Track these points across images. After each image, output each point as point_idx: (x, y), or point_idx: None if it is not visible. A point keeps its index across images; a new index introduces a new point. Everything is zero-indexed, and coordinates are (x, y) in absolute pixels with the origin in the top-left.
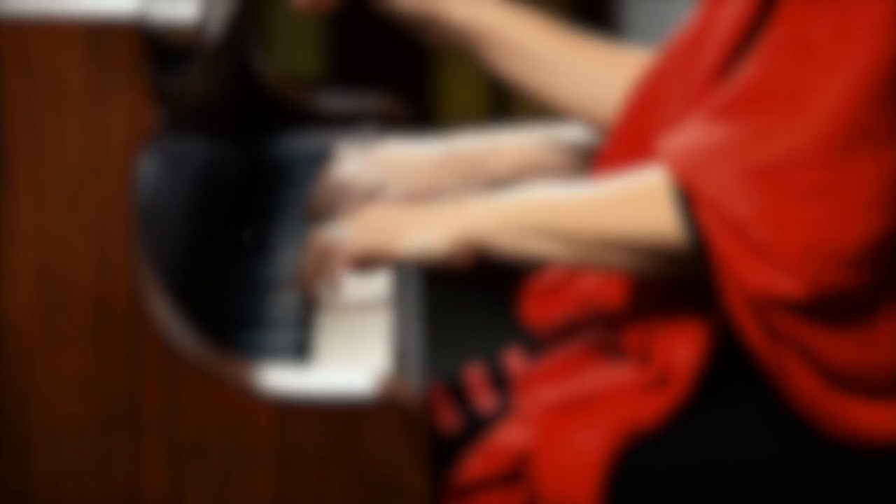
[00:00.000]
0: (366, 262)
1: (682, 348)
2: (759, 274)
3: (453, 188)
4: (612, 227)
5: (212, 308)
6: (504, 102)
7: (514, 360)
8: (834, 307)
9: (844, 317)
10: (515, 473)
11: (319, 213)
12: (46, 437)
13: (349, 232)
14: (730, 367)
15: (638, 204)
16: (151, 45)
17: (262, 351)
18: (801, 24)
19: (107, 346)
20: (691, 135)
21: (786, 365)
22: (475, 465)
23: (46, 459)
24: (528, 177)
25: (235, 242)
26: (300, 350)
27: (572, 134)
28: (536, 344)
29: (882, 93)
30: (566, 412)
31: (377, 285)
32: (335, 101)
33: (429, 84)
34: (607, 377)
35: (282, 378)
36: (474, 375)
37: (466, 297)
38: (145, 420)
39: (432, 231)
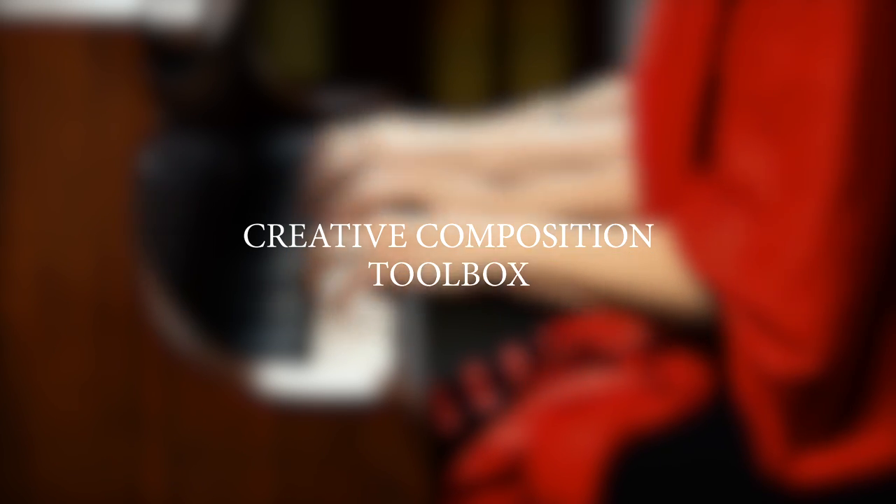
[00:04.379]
0: (377, 287)
1: (686, 369)
2: (775, 355)
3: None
4: (630, 290)
5: (212, 307)
6: (504, 101)
7: (514, 360)
8: (847, 379)
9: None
10: (513, 473)
11: (315, 205)
12: (46, 437)
13: (362, 253)
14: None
15: (657, 276)
16: (151, 45)
17: (262, 350)
18: (757, 112)
19: (107, 346)
20: (704, 226)
21: (761, 419)
22: (473, 464)
23: (46, 459)
24: (517, 171)
25: (235, 242)
26: (300, 349)
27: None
28: (536, 343)
29: (861, 147)
30: (564, 412)
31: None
32: (335, 99)
33: (429, 82)
34: (606, 379)
35: (282, 378)
36: (473, 374)
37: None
38: (145, 420)
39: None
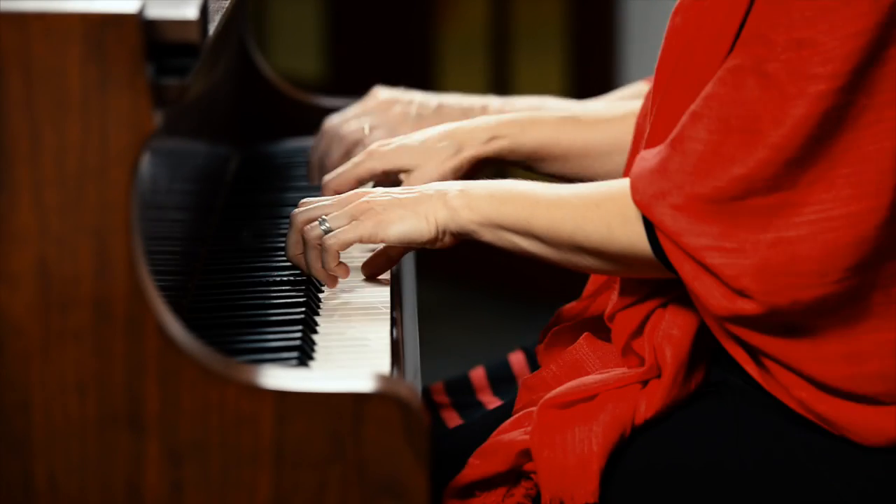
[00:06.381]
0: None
1: (670, 345)
2: (717, 296)
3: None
4: (589, 237)
5: (212, 308)
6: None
7: (516, 361)
8: (798, 319)
9: (814, 327)
10: (516, 473)
11: (320, 164)
12: (46, 437)
13: (335, 223)
14: (727, 368)
15: (612, 219)
16: (152, 44)
17: (263, 351)
18: (760, 53)
19: (107, 346)
20: (653, 161)
21: (773, 377)
22: (476, 464)
23: (46, 459)
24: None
25: (235, 242)
26: (301, 350)
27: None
28: (536, 346)
29: (834, 117)
30: (566, 410)
31: (378, 287)
32: (335, 101)
33: (429, 83)
34: (605, 377)
35: (282, 378)
36: (475, 375)
37: (467, 299)
38: (145, 420)
39: (416, 221)
